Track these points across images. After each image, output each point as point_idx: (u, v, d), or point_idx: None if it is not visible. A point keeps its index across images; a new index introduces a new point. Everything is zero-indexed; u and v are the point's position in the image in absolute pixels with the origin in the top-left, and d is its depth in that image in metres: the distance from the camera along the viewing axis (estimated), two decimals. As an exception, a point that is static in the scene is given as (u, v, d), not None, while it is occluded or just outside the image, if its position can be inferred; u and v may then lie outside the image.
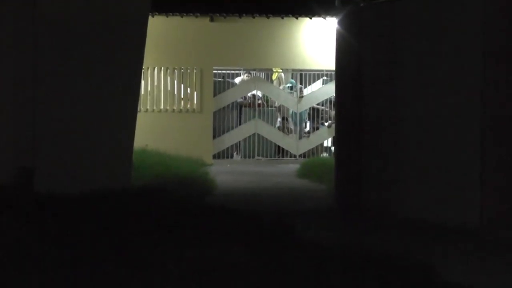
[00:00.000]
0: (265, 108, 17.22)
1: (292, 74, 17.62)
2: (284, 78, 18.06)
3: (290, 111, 17.43)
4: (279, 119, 17.55)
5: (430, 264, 5.76)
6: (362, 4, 9.49)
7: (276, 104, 17.44)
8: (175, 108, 16.36)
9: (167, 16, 16.16)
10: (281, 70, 17.68)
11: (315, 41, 16.61)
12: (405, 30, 8.57)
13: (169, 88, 16.34)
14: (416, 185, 8.38)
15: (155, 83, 16.35)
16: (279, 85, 17.83)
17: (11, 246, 5.98)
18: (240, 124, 17.05)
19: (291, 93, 17.31)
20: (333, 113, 16.21)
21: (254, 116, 17.05)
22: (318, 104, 17.56)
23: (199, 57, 16.35)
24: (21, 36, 9.72)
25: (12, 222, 6.87)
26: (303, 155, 16.98)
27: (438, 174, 8.15)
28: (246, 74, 17.45)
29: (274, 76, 17.98)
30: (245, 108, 17.17)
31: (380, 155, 8.90)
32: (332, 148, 16.55)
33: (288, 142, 17.11)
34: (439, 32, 8.19)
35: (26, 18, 9.71)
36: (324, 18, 16.09)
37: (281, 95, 17.24)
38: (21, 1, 9.73)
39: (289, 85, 17.55)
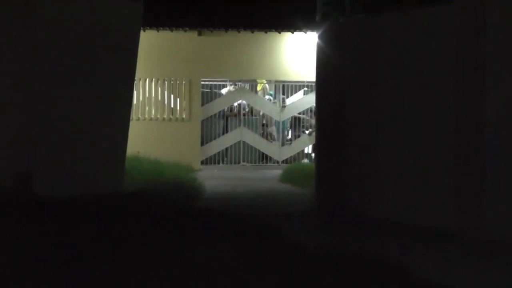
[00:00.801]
0: (250, 117, 17.17)
1: (275, 86, 17.61)
2: (268, 89, 18.03)
3: (273, 120, 17.38)
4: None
5: (406, 263, 5.74)
6: (341, 19, 9.50)
7: (261, 114, 17.37)
8: (165, 117, 16.32)
9: (158, 31, 16.13)
10: (265, 82, 17.66)
11: (296, 54, 16.63)
12: (382, 42, 8.58)
13: (159, 98, 16.29)
14: (393, 189, 8.38)
15: (147, 94, 16.29)
16: (264, 95, 17.79)
17: (8, 246, 5.92)
18: (226, 132, 17.00)
19: (274, 103, 17.28)
20: (313, 121, 16.21)
21: (239, 125, 17.02)
22: (299, 113, 17.53)
23: (187, 69, 16.33)
24: (19, 42, 9.65)
25: (8, 223, 6.80)
26: (286, 161, 16.97)
27: (414, 178, 8.15)
28: (232, 85, 17.40)
29: (259, 87, 17.95)
30: (231, 117, 17.14)
31: (358, 161, 8.89)
32: (313, 155, 16.54)
33: (272, 149, 17.10)
34: (414, 44, 8.21)
35: (25, 24, 9.65)
36: (305, 32, 16.13)
37: (265, 104, 17.21)
38: (20, 5, 9.64)
39: (267, 97, 17.53)
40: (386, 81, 8.59)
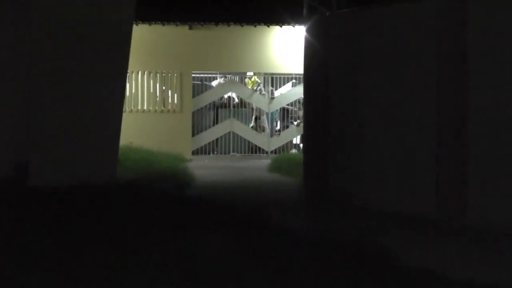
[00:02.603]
0: (240, 108, 17.16)
1: (264, 78, 17.63)
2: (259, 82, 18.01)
3: (264, 112, 17.39)
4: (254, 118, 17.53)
5: (389, 248, 5.76)
6: (328, 14, 9.50)
7: (254, 106, 17.37)
8: (157, 108, 16.30)
9: (150, 25, 16.11)
10: (259, 81, 17.67)
11: (285, 48, 16.66)
12: (368, 36, 8.59)
13: (151, 90, 16.26)
14: (377, 177, 8.41)
15: (139, 86, 16.26)
16: (254, 87, 17.78)
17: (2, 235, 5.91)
18: (216, 123, 16.98)
19: (263, 95, 17.29)
20: (301, 113, 16.24)
21: (229, 116, 17.01)
22: (288, 105, 17.58)
23: (179, 62, 16.32)
24: (17, 39, 9.67)
25: (4, 213, 6.79)
26: (274, 152, 16.97)
27: (397, 167, 8.18)
28: (222, 78, 17.40)
29: (250, 85, 17.92)
30: (221, 109, 17.12)
31: (344, 151, 8.93)
32: (301, 145, 16.59)
33: (261, 140, 17.11)
34: (398, 38, 8.21)
35: (22, 23, 9.67)
36: (293, 26, 16.14)
37: (254, 96, 17.21)
38: (17, 5, 9.66)
39: (257, 87, 17.50)
40: (371, 74, 8.60)
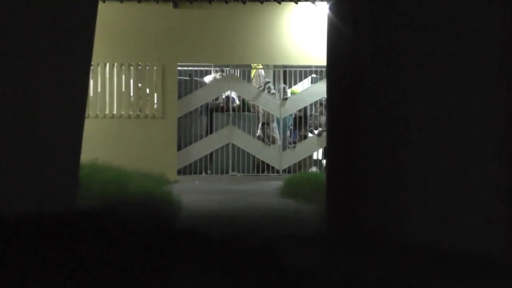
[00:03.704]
0: (242, 113, 17.30)
1: (274, 72, 17.65)
2: (264, 76, 18.06)
3: (274, 117, 17.45)
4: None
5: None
6: (358, -15, 9.52)
7: (260, 109, 17.43)
8: (131, 113, 16.44)
9: (122, 2, 16.14)
10: (261, 67, 17.68)
11: (302, 31, 16.68)
12: (412, 19, 8.61)
13: (123, 89, 16.28)
14: (425, 205, 8.41)
15: (107, 83, 16.31)
16: (258, 84, 17.82)
17: None
18: (211, 133, 17.06)
19: (272, 94, 17.29)
20: (324, 118, 16.19)
21: (228, 123, 17.12)
22: (305, 108, 17.54)
23: (160, 51, 16.40)
24: None
25: None
26: (288, 170, 17.12)
27: (452, 191, 8.18)
28: (218, 72, 17.38)
29: (252, 74, 17.98)
30: (217, 113, 17.21)
31: (383, 167, 8.93)
32: (324, 161, 16.68)
33: (270, 154, 17.20)
34: (448, 23, 8.22)
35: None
36: (313, 2, 16.15)
37: (261, 97, 17.16)
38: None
39: (263, 85, 17.57)
40: (416, 64, 8.60)
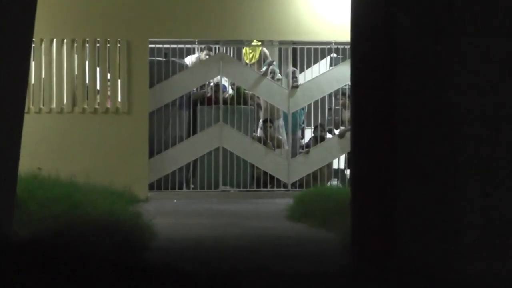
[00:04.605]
0: (236, 106, 17.40)
1: (280, 50, 17.71)
2: (267, 55, 18.18)
3: (280, 112, 17.59)
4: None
5: None
6: None
7: (261, 101, 17.58)
8: (85, 106, 16.50)
9: (73, -44, 16.23)
10: (260, 43, 17.81)
11: (316, -4, 16.73)
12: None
13: (75, 74, 16.30)
14: (491, 239, 8.49)
15: (54, 66, 16.41)
16: (260, 67, 17.97)
17: None
18: (194, 133, 17.21)
19: (277, 80, 17.40)
20: (348, 113, 16.25)
21: (217, 120, 17.21)
22: (322, 99, 17.41)
23: (125, 23, 16.54)
24: None
25: None
26: (299, 184, 17.23)
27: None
28: (203, 51, 17.46)
29: (256, 54, 18.05)
30: (203, 106, 17.26)
31: (428, 182, 8.89)
32: (347, 172, 16.76)
33: (274, 163, 17.30)
34: None
35: None
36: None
37: (262, 84, 17.21)
38: None
39: (270, 67, 17.73)
40: (473, 37, 8.69)
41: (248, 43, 17.85)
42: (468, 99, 8.71)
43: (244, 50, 18.15)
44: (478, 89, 8.67)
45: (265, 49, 18.12)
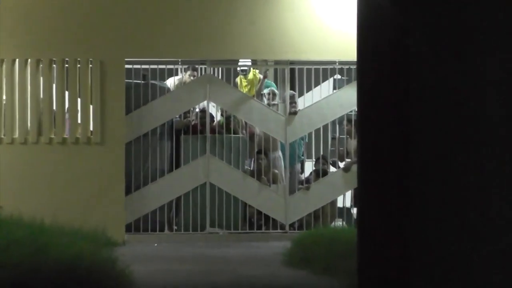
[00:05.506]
0: (225, 135, 17.49)
1: (277, 72, 17.67)
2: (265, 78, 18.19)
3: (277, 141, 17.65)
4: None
5: None
6: None
7: (256, 130, 17.68)
8: (53, 136, 16.54)
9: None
10: (248, 62, 17.87)
11: (318, 9, 16.86)
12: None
13: (41, 98, 16.35)
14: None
15: (16, 89, 16.53)
16: (256, 87, 17.94)
17: None
18: (178, 166, 17.28)
19: (273, 105, 17.41)
20: (354, 142, 16.36)
21: (204, 151, 17.31)
22: (324, 127, 17.47)
23: (98, 40, 16.64)
24: None
25: None
26: (299, 225, 17.31)
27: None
28: (188, 72, 17.47)
29: (254, 88, 18.06)
30: (187, 136, 17.36)
31: (447, 222, 8.76)
32: (354, 211, 16.79)
33: (269, 200, 17.36)
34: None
35: None
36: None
37: (255, 110, 17.29)
38: None
39: (266, 91, 17.86)
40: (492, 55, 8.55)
41: (244, 73, 17.85)
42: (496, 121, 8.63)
43: (238, 81, 18.05)
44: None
45: (259, 74, 18.10)
